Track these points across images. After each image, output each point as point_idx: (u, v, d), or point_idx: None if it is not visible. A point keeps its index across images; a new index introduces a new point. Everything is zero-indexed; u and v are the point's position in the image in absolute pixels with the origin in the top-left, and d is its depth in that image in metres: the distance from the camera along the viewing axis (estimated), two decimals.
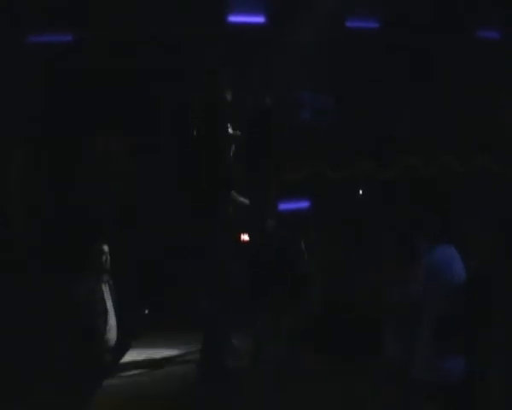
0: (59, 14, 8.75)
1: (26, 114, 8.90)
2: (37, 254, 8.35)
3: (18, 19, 8.62)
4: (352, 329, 6.49)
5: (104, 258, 7.09)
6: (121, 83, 9.01)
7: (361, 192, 9.91)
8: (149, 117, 9.09)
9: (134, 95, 9.01)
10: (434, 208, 6.13)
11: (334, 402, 5.34)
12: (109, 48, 8.94)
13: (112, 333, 6.91)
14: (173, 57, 9.06)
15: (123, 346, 7.02)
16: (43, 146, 9.03)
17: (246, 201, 6.38)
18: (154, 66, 9.01)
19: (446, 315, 5.03)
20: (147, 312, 8.30)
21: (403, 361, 5.38)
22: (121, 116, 9.06)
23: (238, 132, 6.12)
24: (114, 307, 7.02)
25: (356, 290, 7.15)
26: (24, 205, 8.85)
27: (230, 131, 5.96)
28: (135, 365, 6.65)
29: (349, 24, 9.63)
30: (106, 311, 6.93)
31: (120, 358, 6.83)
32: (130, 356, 6.95)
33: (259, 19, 9.42)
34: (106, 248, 7.15)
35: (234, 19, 9.35)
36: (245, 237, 6.56)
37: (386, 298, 6.05)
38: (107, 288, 7.10)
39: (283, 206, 9.11)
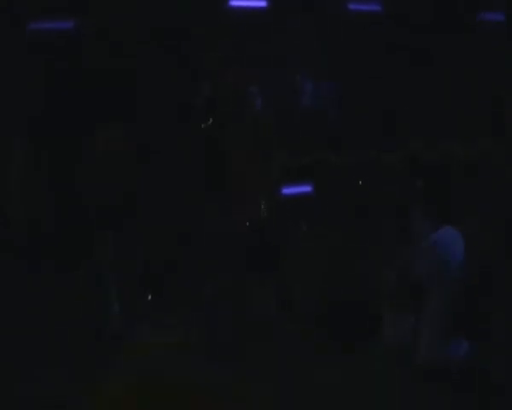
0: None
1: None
2: (38, 242, 8.35)
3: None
4: (351, 315, 6.55)
5: (107, 246, 7.28)
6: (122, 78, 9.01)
7: (362, 179, 9.76)
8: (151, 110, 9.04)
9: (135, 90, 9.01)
10: (436, 190, 6.19)
11: (334, 389, 5.34)
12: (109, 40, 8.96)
13: (115, 320, 7.08)
14: (174, 48, 9.01)
15: (126, 333, 7.07)
16: (43, 131, 8.98)
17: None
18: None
19: (450, 299, 5.15)
20: (150, 298, 8.25)
21: (404, 347, 5.45)
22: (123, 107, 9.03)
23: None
24: (117, 295, 7.16)
25: (356, 277, 7.17)
26: (24, 192, 8.84)
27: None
28: (138, 351, 6.69)
29: (352, 7, 9.63)
30: (109, 298, 7.08)
31: (121, 346, 6.83)
32: (133, 344, 6.96)
33: (261, 3, 9.37)
34: (109, 235, 7.36)
35: (235, 3, 9.27)
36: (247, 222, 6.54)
37: (386, 283, 6.09)
38: (110, 275, 7.23)
39: (285, 190, 9.11)
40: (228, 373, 5.39)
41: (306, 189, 9.35)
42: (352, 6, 9.55)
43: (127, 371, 5.52)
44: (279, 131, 8.57)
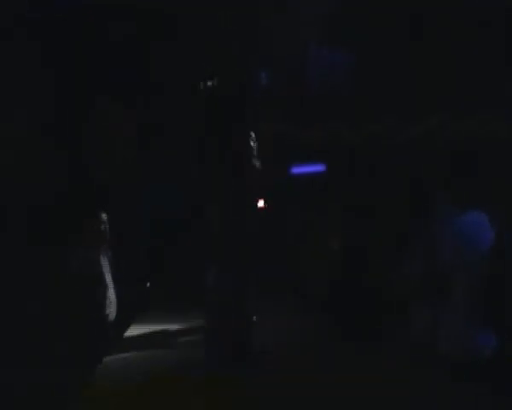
0: None
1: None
2: (28, 223, 8.03)
3: None
4: (376, 308, 6.34)
5: (103, 227, 6.92)
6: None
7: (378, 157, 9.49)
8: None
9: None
10: (463, 169, 5.91)
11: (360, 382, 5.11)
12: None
13: (112, 308, 6.72)
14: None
15: (123, 322, 6.88)
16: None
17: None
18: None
19: (477, 288, 4.95)
20: (149, 285, 8.05)
21: (429, 336, 5.24)
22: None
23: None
24: (114, 281, 6.83)
25: (374, 267, 6.94)
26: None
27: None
28: (136, 341, 6.44)
29: None
30: (105, 284, 6.75)
31: (121, 334, 6.72)
32: (132, 332, 6.74)
33: None
34: (104, 216, 6.99)
35: None
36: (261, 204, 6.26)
37: (410, 272, 5.81)
38: (106, 260, 6.91)
39: (296, 170, 8.95)
40: None
41: (318, 168, 9.17)
42: None
43: None
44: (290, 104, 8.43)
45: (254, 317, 6.26)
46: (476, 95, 8.95)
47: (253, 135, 5.63)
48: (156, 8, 8.71)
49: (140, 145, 8.86)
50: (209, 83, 5.60)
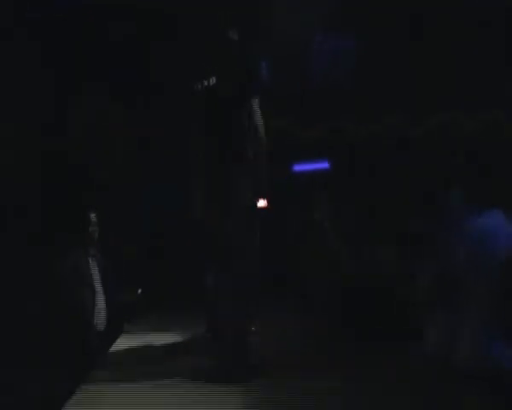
0: None
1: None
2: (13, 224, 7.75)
3: None
4: (385, 315, 5.94)
5: (92, 229, 6.62)
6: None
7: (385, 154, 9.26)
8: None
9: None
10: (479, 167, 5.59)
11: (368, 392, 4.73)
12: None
13: (100, 315, 6.47)
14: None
15: (113, 330, 6.53)
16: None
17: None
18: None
19: (494, 294, 4.60)
20: (141, 291, 7.77)
21: (442, 346, 4.95)
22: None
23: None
24: (103, 286, 6.55)
25: (381, 269, 6.62)
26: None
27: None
28: (127, 351, 6.04)
29: None
30: (93, 290, 6.46)
31: (111, 344, 6.19)
32: (122, 342, 6.32)
33: None
34: (94, 217, 6.67)
35: None
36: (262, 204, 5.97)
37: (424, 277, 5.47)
38: (95, 263, 6.61)
39: (299, 167, 8.65)
40: None
41: (322, 165, 8.86)
42: None
43: None
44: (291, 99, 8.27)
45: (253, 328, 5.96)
46: (476, 95, 8.91)
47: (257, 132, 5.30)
48: (156, 8, 8.75)
49: (140, 145, 8.84)
50: (208, 82, 5.31)
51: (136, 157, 8.79)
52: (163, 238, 8.46)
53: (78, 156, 8.58)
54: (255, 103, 5.01)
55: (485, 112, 9.02)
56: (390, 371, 5.00)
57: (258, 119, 4.97)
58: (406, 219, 7.07)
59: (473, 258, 4.80)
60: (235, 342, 4.89)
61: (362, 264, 7.02)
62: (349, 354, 5.54)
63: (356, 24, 9.05)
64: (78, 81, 8.69)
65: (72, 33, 8.70)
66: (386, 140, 9.15)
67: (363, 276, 6.63)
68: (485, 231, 4.86)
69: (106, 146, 8.87)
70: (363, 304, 6.18)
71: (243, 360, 4.86)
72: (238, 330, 4.90)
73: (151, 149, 8.80)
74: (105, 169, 8.69)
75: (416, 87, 8.94)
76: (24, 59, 8.37)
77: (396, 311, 5.84)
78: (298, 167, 8.76)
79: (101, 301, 6.49)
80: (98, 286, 6.53)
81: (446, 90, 8.89)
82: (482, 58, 8.83)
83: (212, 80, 5.13)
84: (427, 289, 5.33)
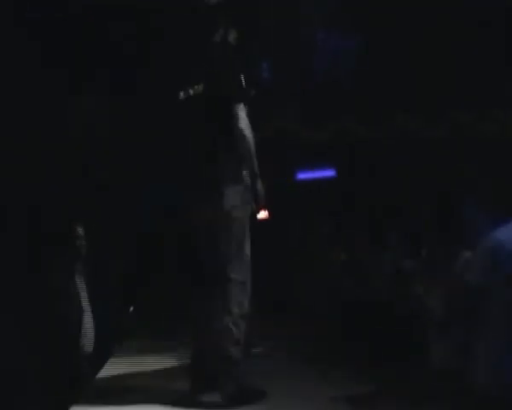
0: None
1: None
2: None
3: None
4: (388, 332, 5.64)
5: (78, 243, 6.31)
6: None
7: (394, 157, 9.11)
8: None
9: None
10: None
11: None
12: None
13: (88, 337, 6.16)
14: None
15: (103, 353, 6.14)
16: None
17: None
18: None
19: None
20: (132, 309, 7.49)
21: (456, 364, 4.61)
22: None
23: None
24: (91, 305, 6.24)
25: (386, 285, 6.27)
26: None
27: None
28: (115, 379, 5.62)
29: None
30: (80, 309, 6.14)
31: (98, 368, 5.78)
32: (111, 366, 5.89)
33: None
34: (81, 230, 6.36)
35: None
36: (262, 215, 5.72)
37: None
38: (83, 280, 6.29)
39: (302, 175, 8.33)
40: None
41: (328, 172, 8.54)
42: None
43: None
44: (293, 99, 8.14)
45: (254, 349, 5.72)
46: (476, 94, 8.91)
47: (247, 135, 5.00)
48: (156, 8, 8.68)
49: (140, 144, 8.75)
50: (208, 82, 5.07)
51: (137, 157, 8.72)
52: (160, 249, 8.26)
53: (69, 160, 8.47)
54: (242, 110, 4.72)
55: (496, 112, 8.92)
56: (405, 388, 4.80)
57: (246, 127, 4.65)
58: (419, 232, 6.76)
59: (494, 269, 4.30)
60: (215, 369, 4.57)
61: (367, 277, 6.71)
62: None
63: (355, 24, 9.08)
64: (78, 81, 8.67)
65: (73, 33, 8.65)
66: (393, 141, 9.02)
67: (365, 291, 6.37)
68: (506, 244, 4.42)
69: (104, 148, 8.80)
70: (364, 321, 5.95)
71: (225, 387, 4.55)
72: (220, 356, 4.58)
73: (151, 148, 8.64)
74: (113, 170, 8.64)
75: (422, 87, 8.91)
76: (24, 59, 8.31)
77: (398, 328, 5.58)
78: (301, 175, 8.43)
79: (88, 322, 6.17)
80: (86, 305, 6.21)
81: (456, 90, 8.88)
82: (482, 58, 8.88)
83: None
84: (438, 307, 4.99)
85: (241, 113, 4.67)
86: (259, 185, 4.73)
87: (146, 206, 8.51)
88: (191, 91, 4.85)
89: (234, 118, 4.64)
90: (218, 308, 4.62)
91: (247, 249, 4.70)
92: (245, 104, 4.88)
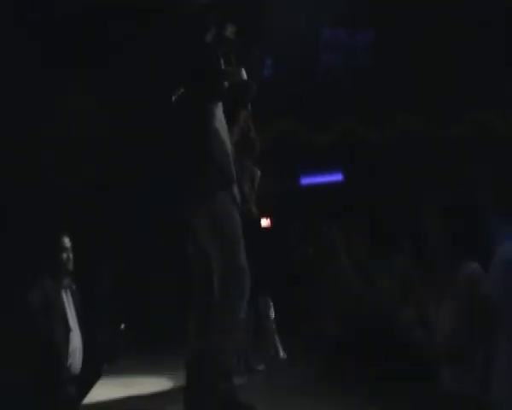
0: None
1: None
2: None
3: None
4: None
5: (65, 256, 6.00)
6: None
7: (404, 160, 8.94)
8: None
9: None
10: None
11: None
12: None
13: (76, 356, 5.88)
14: None
15: (91, 373, 5.82)
16: None
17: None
18: None
19: None
20: (123, 327, 7.17)
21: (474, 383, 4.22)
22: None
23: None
24: (79, 322, 5.97)
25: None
26: None
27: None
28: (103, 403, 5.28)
29: None
30: (67, 326, 5.86)
31: (88, 389, 5.35)
32: (99, 388, 5.55)
33: None
34: (67, 242, 6.06)
35: None
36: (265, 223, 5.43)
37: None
38: (70, 296, 6.01)
39: (307, 180, 8.02)
40: None
41: (335, 177, 8.25)
42: None
43: None
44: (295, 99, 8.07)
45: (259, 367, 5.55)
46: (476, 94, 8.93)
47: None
48: (156, 8, 8.34)
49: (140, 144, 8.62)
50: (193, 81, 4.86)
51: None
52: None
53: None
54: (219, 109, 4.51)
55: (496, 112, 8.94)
56: None
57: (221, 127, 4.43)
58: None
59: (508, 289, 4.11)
60: (208, 383, 4.21)
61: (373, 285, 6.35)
62: None
63: (355, 24, 9.16)
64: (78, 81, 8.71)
65: (73, 33, 8.65)
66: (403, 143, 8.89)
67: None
68: None
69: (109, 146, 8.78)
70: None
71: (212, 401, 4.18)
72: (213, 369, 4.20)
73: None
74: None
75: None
76: (24, 59, 8.32)
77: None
78: (306, 180, 8.13)
79: (76, 341, 5.89)
80: (73, 323, 5.92)
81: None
82: (482, 58, 8.89)
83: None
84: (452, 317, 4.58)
85: (218, 112, 4.44)
86: (247, 186, 4.55)
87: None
88: (179, 91, 4.62)
89: (209, 117, 4.40)
90: (211, 319, 4.32)
91: (242, 255, 4.41)
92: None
